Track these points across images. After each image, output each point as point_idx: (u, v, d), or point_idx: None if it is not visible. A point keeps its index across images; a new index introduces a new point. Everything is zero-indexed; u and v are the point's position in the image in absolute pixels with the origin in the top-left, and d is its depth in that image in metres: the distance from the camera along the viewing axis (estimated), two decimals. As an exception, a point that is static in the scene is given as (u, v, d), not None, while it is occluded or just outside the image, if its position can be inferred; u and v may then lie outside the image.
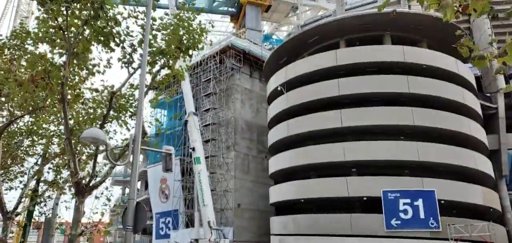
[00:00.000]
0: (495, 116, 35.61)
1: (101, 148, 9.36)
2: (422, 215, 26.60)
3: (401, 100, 28.88)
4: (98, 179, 8.56)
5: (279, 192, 33.68)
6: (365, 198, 28.06)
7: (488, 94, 36.46)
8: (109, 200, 9.00)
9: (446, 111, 28.48)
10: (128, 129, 10.30)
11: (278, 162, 34.12)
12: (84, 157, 8.91)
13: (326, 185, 29.26)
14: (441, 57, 30.52)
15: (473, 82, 32.40)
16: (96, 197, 10.66)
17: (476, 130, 29.55)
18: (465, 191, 27.50)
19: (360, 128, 28.83)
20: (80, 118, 9.35)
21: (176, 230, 44.24)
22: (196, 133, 32.50)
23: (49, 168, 11.13)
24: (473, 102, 30.59)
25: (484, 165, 29.10)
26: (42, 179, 11.38)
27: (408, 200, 26.87)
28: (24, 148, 10.73)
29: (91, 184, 7.90)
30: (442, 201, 26.67)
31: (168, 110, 50.33)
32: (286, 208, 34.51)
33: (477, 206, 27.93)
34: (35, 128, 9.74)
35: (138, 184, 60.76)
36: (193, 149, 31.79)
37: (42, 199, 11.34)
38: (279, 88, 34.41)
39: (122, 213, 7.09)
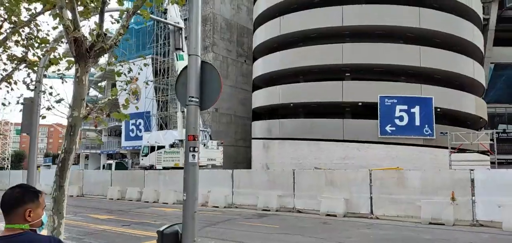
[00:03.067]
0: (486, 27, 34.41)
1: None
2: (417, 122, 25.85)
3: (407, 0, 26.50)
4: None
5: (265, 96, 31.63)
6: (360, 104, 26.72)
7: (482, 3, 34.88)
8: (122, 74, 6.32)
9: (452, 13, 26.54)
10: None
11: (264, 65, 31.62)
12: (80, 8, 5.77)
13: (319, 89, 27.45)
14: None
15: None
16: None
17: (478, 38, 28.18)
18: (460, 99, 26.80)
19: (361, 29, 26.47)
20: None
21: (149, 132, 42.03)
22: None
23: (20, 39, 7.91)
24: (478, 6, 28.81)
25: (480, 74, 28.29)
26: (6, 53, 8.16)
27: (405, 107, 25.84)
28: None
29: (97, 47, 4.97)
30: (438, 109, 25.88)
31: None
32: (268, 113, 32.85)
33: (470, 115, 27.51)
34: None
35: (104, 84, 56.66)
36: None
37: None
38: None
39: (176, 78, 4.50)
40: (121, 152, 47.07)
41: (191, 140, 4.67)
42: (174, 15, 28.39)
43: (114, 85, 42.80)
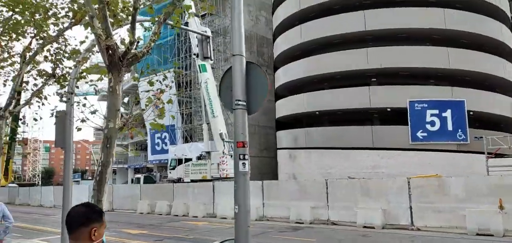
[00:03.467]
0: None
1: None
2: (450, 127, 24.99)
3: (431, 2, 25.83)
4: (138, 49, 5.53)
5: (289, 105, 31.32)
6: (388, 109, 26.05)
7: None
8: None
9: (478, 13, 25.70)
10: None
11: (287, 73, 31.38)
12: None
13: (345, 95, 26.95)
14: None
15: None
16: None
17: (507, 36, 27.18)
18: (493, 101, 25.80)
19: (385, 33, 25.92)
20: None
21: (174, 145, 42.27)
22: (200, 36, 28.94)
23: (48, 54, 7.89)
24: (505, 4, 27.85)
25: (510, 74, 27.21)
26: (36, 68, 8.16)
27: (436, 111, 25.03)
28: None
29: (130, 55, 4.82)
30: (471, 113, 24.94)
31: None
32: (293, 122, 32.50)
33: (503, 118, 26.44)
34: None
35: (126, 100, 57.58)
36: (197, 55, 28.44)
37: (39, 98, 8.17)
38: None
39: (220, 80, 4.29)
40: (147, 166, 47.53)
41: (241, 147, 4.36)
42: (195, 26, 28.60)
43: (138, 102, 43.56)
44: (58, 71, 8.35)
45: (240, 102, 4.25)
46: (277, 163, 34.98)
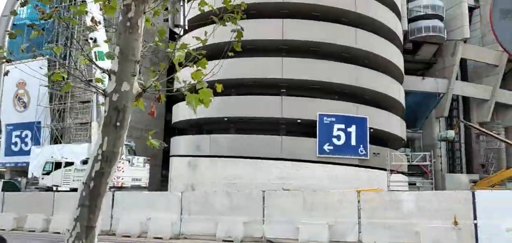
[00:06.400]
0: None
1: None
2: (353, 142, 25.92)
3: (345, 21, 26.74)
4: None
5: (192, 109, 28.61)
6: (299, 121, 25.77)
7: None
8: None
9: (385, 38, 27.69)
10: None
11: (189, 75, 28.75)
12: None
13: (258, 104, 25.77)
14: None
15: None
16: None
17: (401, 63, 29.96)
18: (390, 120, 27.85)
19: (300, 44, 25.73)
20: None
21: (39, 146, 35.04)
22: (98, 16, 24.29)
23: None
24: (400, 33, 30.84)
25: (402, 96, 30.03)
26: None
27: (343, 126, 25.73)
28: None
29: None
30: (371, 130, 26.38)
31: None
32: (195, 128, 30.02)
33: (394, 136, 28.79)
34: None
35: None
36: (94, 39, 23.71)
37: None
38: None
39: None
40: (-4, 169, 38.46)
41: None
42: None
43: None
44: None
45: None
46: (165, 172, 31.88)
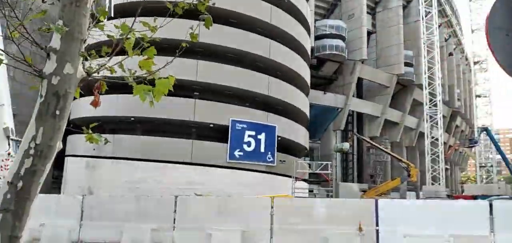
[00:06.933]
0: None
1: None
2: (262, 149, 26.51)
3: (260, 32, 27.32)
4: None
5: (94, 106, 26.40)
6: (212, 125, 25.48)
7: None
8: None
9: (296, 52, 28.97)
10: None
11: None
12: None
13: (169, 105, 24.72)
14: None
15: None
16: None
17: (309, 77, 31.63)
18: (296, 130, 29.11)
19: (216, 49, 25.54)
20: None
21: None
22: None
23: None
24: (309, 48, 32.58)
25: (307, 109, 31.69)
26: None
27: (253, 133, 26.16)
28: None
29: None
30: (279, 138, 27.29)
31: None
32: (96, 126, 27.59)
33: (299, 145, 30.19)
34: None
35: None
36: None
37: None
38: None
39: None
40: None
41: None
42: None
43: None
44: None
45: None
46: (57, 172, 28.89)
